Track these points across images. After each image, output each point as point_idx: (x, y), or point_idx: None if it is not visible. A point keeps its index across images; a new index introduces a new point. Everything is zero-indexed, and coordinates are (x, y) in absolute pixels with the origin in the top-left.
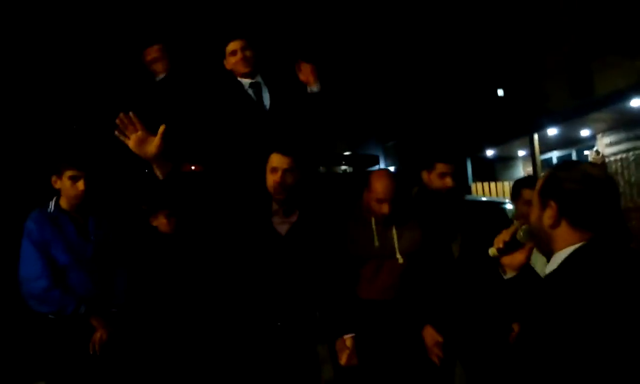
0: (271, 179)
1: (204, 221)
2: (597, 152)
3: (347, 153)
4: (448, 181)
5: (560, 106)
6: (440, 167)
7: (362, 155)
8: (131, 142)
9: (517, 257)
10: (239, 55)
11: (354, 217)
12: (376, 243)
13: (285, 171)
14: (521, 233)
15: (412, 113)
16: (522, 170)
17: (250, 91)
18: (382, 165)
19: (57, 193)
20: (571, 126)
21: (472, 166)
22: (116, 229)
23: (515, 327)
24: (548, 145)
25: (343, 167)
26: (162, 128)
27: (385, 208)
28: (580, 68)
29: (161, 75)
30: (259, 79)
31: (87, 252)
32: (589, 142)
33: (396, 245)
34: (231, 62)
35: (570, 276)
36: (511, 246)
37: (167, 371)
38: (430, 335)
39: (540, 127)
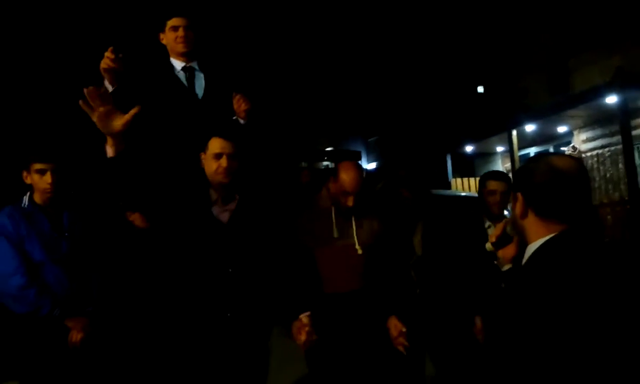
0: (214, 165)
1: (148, 211)
2: (574, 148)
3: (329, 149)
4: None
5: (538, 102)
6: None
7: (344, 151)
8: (97, 114)
9: (509, 250)
10: (180, 32)
11: (312, 207)
12: (335, 234)
13: (229, 156)
14: (509, 227)
15: (394, 109)
16: (501, 165)
17: (180, 75)
18: (364, 161)
19: (30, 188)
20: (549, 123)
21: (452, 161)
22: (91, 224)
23: (478, 320)
24: (526, 141)
25: (325, 163)
26: (136, 108)
27: (350, 201)
28: (558, 65)
29: None
30: (194, 64)
31: (62, 248)
32: (566, 138)
33: (355, 235)
34: (170, 38)
35: (536, 268)
36: (504, 240)
37: (139, 368)
38: (394, 325)
39: (518, 124)
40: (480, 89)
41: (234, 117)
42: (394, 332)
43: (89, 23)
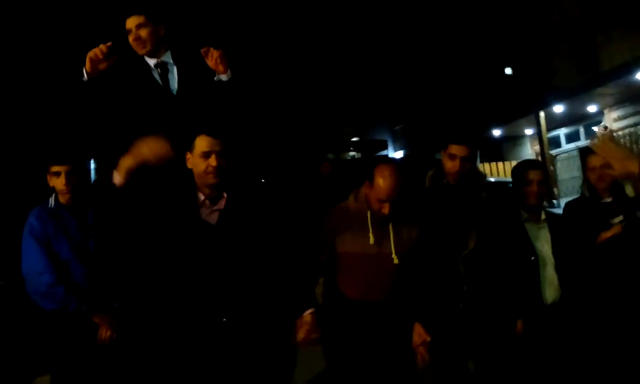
0: (203, 165)
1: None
2: (605, 127)
3: (354, 139)
4: (456, 165)
5: (566, 82)
6: (453, 148)
7: (370, 140)
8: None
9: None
10: (132, 34)
11: (346, 207)
12: (371, 241)
13: (218, 154)
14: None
15: (419, 95)
16: (530, 148)
17: (155, 72)
18: (390, 149)
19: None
20: (578, 102)
21: (479, 146)
22: (116, 221)
23: (519, 324)
24: (555, 122)
25: (351, 154)
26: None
27: (386, 209)
28: (586, 43)
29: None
30: (166, 57)
31: (89, 247)
32: (597, 118)
33: (392, 244)
34: (132, 40)
35: None
36: None
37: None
38: (418, 333)
39: (546, 105)
40: (509, 71)
41: (215, 77)
42: (417, 339)
43: (78, 23)
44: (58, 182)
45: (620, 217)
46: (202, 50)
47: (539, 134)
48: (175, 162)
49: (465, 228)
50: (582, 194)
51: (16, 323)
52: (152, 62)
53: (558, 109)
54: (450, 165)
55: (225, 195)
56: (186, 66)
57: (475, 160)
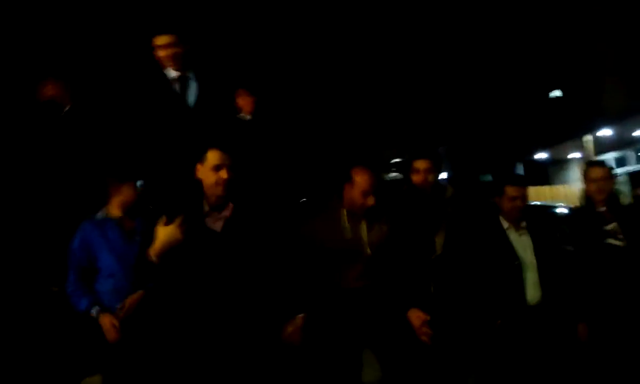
0: (214, 178)
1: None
2: None
3: (396, 160)
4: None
5: (614, 106)
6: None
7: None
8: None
9: None
10: (163, 50)
11: (323, 213)
12: (348, 235)
13: (229, 167)
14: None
15: (464, 117)
16: (577, 173)
17: (175, 85)
18: None
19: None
20: (627, 126)
21: (524, 169)
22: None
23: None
24: (603, 146)
25: (392, 175)
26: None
27: (371, 200)
28: (636, 66)
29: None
30: (189, 74)
31: (132, 255)
32: None
33: (365, 238)
34: (160, 55)
35: None
36: None
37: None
38: (417, 316)
39: (593, 128)
40: (558, 93)
41: (239, 115)
42: (416, 322)
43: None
44: (121, 199)
45: (614, 224)
46: (237, 91)
47: (587, 159)
48: (185, 172)
49: (433, 233)
50: (580, 204)
51: (69, 326)
52: (173, 74)
53: (606, 132)
54: (416, 178)
55: (231, 204)
56: (206, 83)
57: (439, 172)
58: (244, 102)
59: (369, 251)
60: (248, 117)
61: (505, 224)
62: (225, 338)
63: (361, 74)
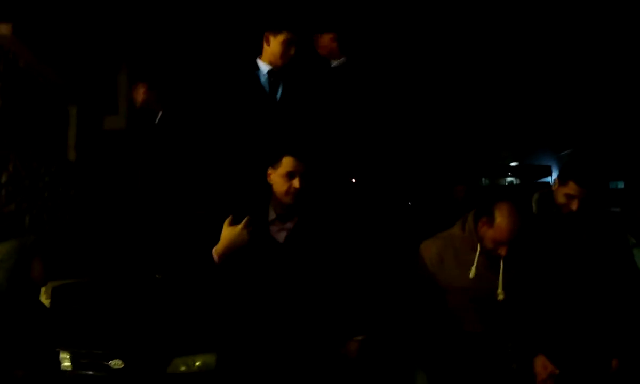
0: (285, 185)
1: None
2: None
3: (513, 163)
4: (574, 205)
5: None
6: (571, 186)
7: (531, 165)
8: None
9: None
10: (287, 48)
11: (451, 239)
12: (472, 274)
13: (303, 176)
14: None
15: (592, 118)
16: None
17: (263, 78)
18: (554, 176)
19: None
20: None
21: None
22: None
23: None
24: None
25: (509, 179)
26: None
27: (503, 251)
28: None
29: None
30: (282, 68)
31: None
32: None
33: (500, 279)
34: (274, 48)
35: None
36: None
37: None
38: (543, 365)
39: None
40: None
41: (332, 64)
42: (542, 372)
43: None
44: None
45: None
46: (313, 41)
47: None
48: (257, 174)
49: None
50: None
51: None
52: (265, 68)
53: None
54: (565, 202)
55: (296, 217)
56: (296, 80)
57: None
58: (326, 45)
59: (502, 295)
60: (337, 62)
61: (632, 240)
62: (275, 353)
63: (479, 68)
